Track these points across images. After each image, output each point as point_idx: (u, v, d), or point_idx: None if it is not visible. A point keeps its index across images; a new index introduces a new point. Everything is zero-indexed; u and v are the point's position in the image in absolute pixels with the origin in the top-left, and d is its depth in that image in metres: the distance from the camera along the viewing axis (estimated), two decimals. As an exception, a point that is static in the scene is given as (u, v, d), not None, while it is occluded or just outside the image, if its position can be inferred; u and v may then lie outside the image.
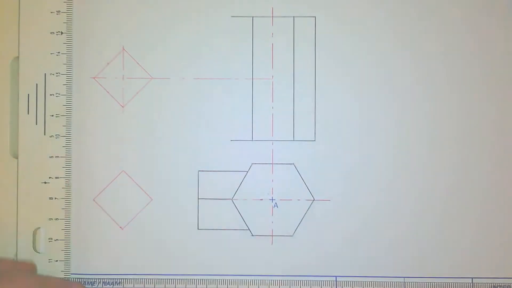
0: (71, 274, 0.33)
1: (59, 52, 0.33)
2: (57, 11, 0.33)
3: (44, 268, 0.33)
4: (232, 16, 0.33)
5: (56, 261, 0.33)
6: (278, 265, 0.33)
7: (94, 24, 0.33)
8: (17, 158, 0.33)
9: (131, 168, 0.33)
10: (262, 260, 0.33)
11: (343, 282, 0.33)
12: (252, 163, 0.33)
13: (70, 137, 0.33)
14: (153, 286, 0.33)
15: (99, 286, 0.33)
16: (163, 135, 0.33)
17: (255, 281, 0.33)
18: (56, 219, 0.33)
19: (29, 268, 0.31)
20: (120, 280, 0.33)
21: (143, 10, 0.33)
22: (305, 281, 0.33)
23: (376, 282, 0.32)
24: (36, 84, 0.33)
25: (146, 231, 0.33)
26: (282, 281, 0.33)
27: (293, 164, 0.33)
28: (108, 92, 0.33)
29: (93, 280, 0.33)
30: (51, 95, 0.33)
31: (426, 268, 0.32)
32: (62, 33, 0.33)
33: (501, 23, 0.33)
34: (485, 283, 0.32)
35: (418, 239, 0.32)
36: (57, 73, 0.33)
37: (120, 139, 0.33)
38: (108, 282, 0.33)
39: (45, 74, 0.33)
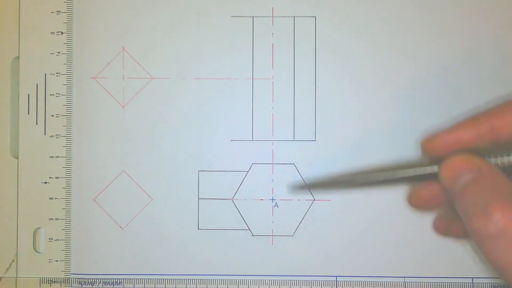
0: (71, 274, 0.33)
1: (59, 52, 0.33)
2: (57, 11, 0.33)
3: (44, 268, 0.33)
4: (232, 16, 0.33)
5: (56, 261, 0.33)
6: (278, 265, 0.33)
7: (94, 24, 0.33)
8: (17, 158, 0.33)
9: (132, 168, 0.33)
10: (262, 260, 0.33)
11: (343, 282, 0.33)
12: (252, 163, 0.33)
13: (71, 137, 0.33)
14: (153, 286, 0.33)
15: (99, 286, 0.33)
16: (163, 135, 0.33)
17: (255, 281, 0.33)
18: (56, 219, 0.33)
19: None
20: (120, 280, 0.33)
21: (143, 10, 0.33)
22: (305, 281, 0.33)
23: (376, 282, 0.32)
24: (36, 84, 0.33)
25: (146, 231, 0.33)
26: (282, 281, 0.33)
27: (293, 164, 0.33)
28: (108, 92, 0.33)
29: (93, 280, 0.33)
30: (51, 95, 0.33)
31: (426, 268, 0.32)
32: (62, 33, 0.33)
33: (501, 24, 0.33)
34: (485, 283, 0.32)
35: (418, 239, 0.32)
36: (57, 73, 0.33)
37: (120, 139, 0.33)
38: (108, 282, 0.33)
39: (45, 74, 0.33)
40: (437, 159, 0.27)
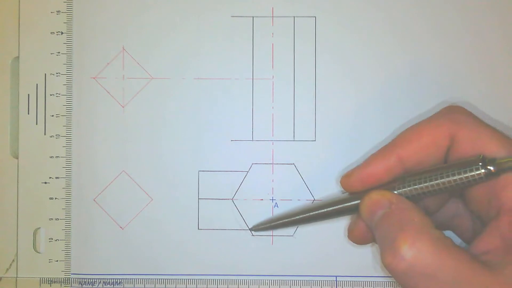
0: (71, 274, 0.33)
1: (59, 52, 0.33)
2: (57, 11, 0.33)
3: (44, 268, 0.33)
4: (232, 16, 0.33)
5: (56, 261, 0.33)
6: (278, 265, 0.33)
7: (94, 24, 0.33)
8: (17, 158, 0.33)
9: (132, 168, 0.33)
10: (262, 260, 0.33)
11: (343, 282, 0.33)
12: (252, 163, 0.33)
13: (70, 137, 0.33)
14: (153, 286, 0.33)
15: (99, 286, 0.33)
16: (163, 135, 0.33)
17: (255, 281, 0.33)
18: (56, 219, 0.33)
19: None
20: (120, 280, 0.33)
21: (143, 10, 0.33)
22: (305, 281, 0.33)
23: (376, 282, 0.32)
24: (36, 84, 0.33)
25: (146, 231, 0.33)
26: (282, 281, 0.33)
27: (293, 164, 0.33)
28: (108, 92, 0.33)
29: (93, 280, 0.33)
30: (51, 95, 0.33)
31: (426, 268, 0.32)
32: (62, 33, 0.33)
33: (501, 24, 0.33)
34: (485, 283, 0.32)
35: (418, 239, 0.32)
36: (57, 73, 0.33)
37: (120, 139, 0.33)
38: (108, 282, 0.33)
39: (45, 74, 0.33)
40: (360, 194, 0.28)
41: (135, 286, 0.33)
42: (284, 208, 0.33)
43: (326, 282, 0.33)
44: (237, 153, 0.33)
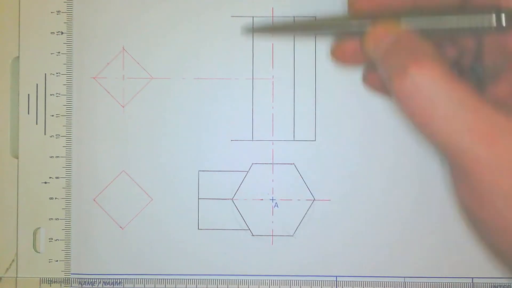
0: (71, 274, 0.33)
1: (59, 52, 0.33)
2: (57, 11, 0.33)
3: (44, 268, 0.33)
4: (232, 16, 0.33)
5: (56, 261, 0.33)
6: (278, 265, 0.33)
7: (94, 24, 0.33)
8: (17, 158, 0.33)
9: (132, 168, 0.33)
10: (262, 260, 0.33)
11: (343, 282, 0.33)
12: (252, 163, 0.33)
13: (71, 137, 0.33)
14: (153, 286, 0.33)
15: (99, 286, 0.33)
16: (163, 135, 0.33)
17: (255, 281, 0.33)
18: (56, 219, 0.33)
19: None
20: (120, 280, 0.33)
21: (143, 10, 0.33)
22: (305, 281, 0.33)
23: (376, 282, 0.32)
24: (36, 84, 0.33)
25: (146, 231, 0.33)
26: (282, 281, 0.33)
27: (293, 164, 0.33)
28: (108, 92, 0.33)
29: (93, 280, 0.33)
30: (51, 95, 0.33)
31: (426, 268, 0.32)
32: (62, 33, 0.33)
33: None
34: (485, 283, 0.32)
35: (418, 239, 0.32)
36: (57, 73, 0.33)
37: (120, 139, 0.33)
38: (108, 282, 0.33)
39: (45, 74, 0.33)
40: (364, 17, 0.27)
41: (135, 286, 0.33)
42: (284, 208, 0.33)
43: (326, 282, 0.33)
44: (237, 153, 0.33)
